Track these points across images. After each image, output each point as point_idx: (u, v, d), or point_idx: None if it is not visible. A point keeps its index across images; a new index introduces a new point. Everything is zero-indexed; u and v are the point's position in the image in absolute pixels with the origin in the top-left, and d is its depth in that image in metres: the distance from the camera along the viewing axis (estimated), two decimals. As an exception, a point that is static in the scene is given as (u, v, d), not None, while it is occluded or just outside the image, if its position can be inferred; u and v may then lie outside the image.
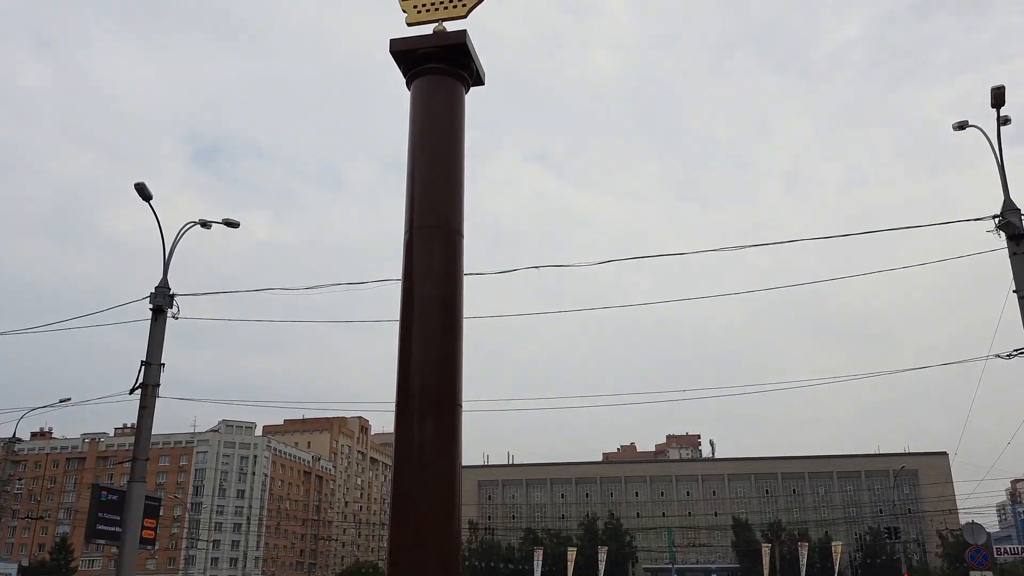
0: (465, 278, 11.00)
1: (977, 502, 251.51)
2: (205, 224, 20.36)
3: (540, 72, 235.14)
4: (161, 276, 19.60)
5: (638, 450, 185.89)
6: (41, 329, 22.39)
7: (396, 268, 10.91)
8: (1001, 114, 16.56)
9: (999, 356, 20.95)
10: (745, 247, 17.19)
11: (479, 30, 11.76)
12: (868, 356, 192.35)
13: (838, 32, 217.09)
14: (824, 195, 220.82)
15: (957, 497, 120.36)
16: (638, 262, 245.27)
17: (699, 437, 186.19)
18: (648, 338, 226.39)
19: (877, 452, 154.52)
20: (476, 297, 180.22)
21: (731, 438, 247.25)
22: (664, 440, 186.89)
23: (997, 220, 16.23)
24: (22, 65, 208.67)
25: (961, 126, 17.20)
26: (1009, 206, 16.11)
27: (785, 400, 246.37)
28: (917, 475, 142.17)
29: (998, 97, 16.31)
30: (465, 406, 10.30)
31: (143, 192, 19.40)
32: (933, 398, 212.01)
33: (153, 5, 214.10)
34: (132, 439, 20.96)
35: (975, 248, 17.89)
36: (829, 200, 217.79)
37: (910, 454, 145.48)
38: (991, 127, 16.99)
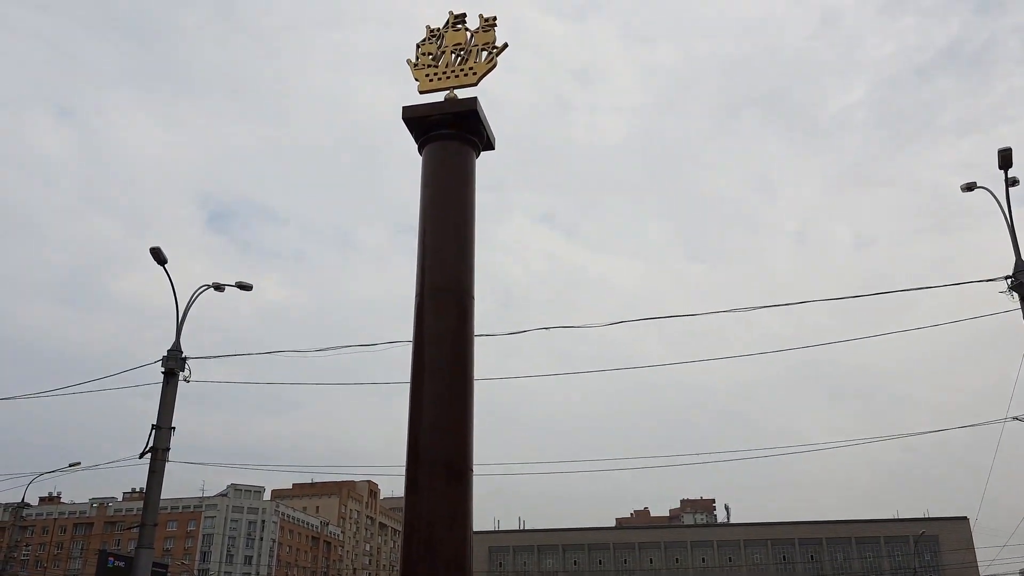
0: (475, 340, 11.02)
1: (1000, 568, 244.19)
2: (219, 287, 20.47)
3: (548, 135, 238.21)
4: (174, 339, 19.70)
5: (652, 515, 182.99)
6: (53, 393, 22.43)
7: (407, 330, 10.97)
8: (1009, 175, 16.66)
9: (1017, 419, 20.71)
10: (757, 308, 17.19)
11: (488, 95, 12.03)
12: (884, 418, 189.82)
13: (842, 95, 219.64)
14: (834, 255, 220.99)
15: (980, 564, 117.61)
16: (649, 323, 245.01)
17: (714, 502, 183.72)
18: (661, 400, 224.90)
19: (896, 517, 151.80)
20: (486, 359, 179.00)
21: (747, 502, 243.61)
22: (678, 505, 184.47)
23: (1010, 281, 16.22)
24: (44, 133, 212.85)
25: (970, 187, 17.27)
26: (1021, 267, 16.09)
27: (801, 463, 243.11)
28: (938, 540, 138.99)
29: (1006, 159, 16.41)
30: (475, 470, 10.21)
31: (158, 256, 19.61)
32: (952, 461, 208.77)
33: (169, 73, 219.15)
34: (141, 503, 20.81)
35: (988, 308, 17.80)
36: (839, 260, 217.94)
37: (930, 519, 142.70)
38: (999, 188, 17.08)
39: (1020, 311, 16.01)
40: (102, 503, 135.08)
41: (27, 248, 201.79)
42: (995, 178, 16.97)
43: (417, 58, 12.18)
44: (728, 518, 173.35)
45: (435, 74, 11.95)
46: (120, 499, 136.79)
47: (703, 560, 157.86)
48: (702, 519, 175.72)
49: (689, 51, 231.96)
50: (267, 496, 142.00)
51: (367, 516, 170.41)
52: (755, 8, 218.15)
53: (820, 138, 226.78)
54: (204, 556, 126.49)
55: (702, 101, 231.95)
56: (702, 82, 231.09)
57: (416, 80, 12.05)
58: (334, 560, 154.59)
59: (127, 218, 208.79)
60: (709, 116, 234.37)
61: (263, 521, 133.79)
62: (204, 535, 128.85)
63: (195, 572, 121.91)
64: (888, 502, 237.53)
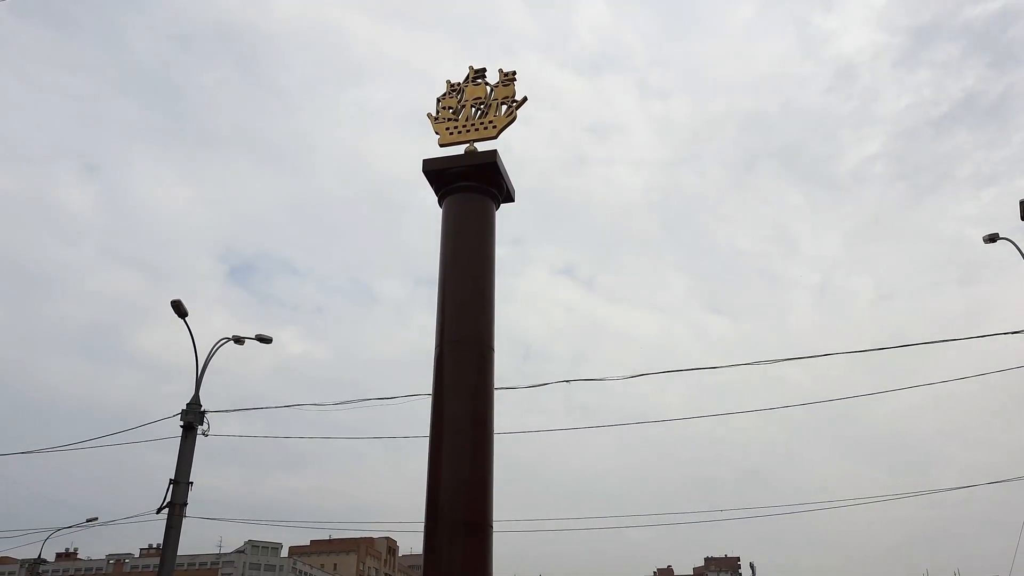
0: (496, 393, 10.83)
1: None
2: (238, 340, 20.38)
3: (566, 189, 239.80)
4: (193, 393, 19.58)
5: (676, 574, 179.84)
6: (71, 447, 22.26)
7: (426, 384, 10.77)
8: (1030, 227, 16.46)
9: None
10: (779, 361, 16.91)
11: (508, 149, 12.02)
12: (910, 474, 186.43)
13: (859, 148, 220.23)
14: (855, 308, 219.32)
15: None
16: (669, 376, 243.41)
17: (738, 560, 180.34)
18: (682, 455, 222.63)
19: None
20: (506, 413, 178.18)
21: (772, 560, 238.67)
22: (702, 563, 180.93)
23: None
24: (68, 188, 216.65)
25: (992, 239, 17.07)
26: (1046, 318, 15.78)
27: (827, 520, 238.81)
28: None
29: (1027, 210, 16.23)
30: (495, 526, 9.94)
31: (179, 309, 19.56)
32: (981, 519, 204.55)
33: (190, 130, 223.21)
34: (158, 560, 20.43)
35: (1014, 362, 17.48)
36: (860, 313, 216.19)
37: None
38: (1021, 239, 16.90)
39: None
40: (119, 559, 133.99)
41: (48, 302, 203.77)
42: (1017, 229, 16.79)
43: (437, 112, 12.23)
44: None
45: (455, 127, 11.97)
46: (137, 555, 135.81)
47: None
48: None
49: (704, 106, 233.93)
50: (285, 553, 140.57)
51: (385, 574, 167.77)
52: (770, 64, 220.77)
53: (838, 191, 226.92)
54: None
55: (718, 155, 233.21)
56: (718, 136, 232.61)
57: (436, 133, 12.09)
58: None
59: (148, 272, 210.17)
60: (726, 169, 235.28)
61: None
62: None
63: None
64: (917, 560, 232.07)
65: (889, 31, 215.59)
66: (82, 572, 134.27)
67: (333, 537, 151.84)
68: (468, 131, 11.88)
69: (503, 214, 12.06)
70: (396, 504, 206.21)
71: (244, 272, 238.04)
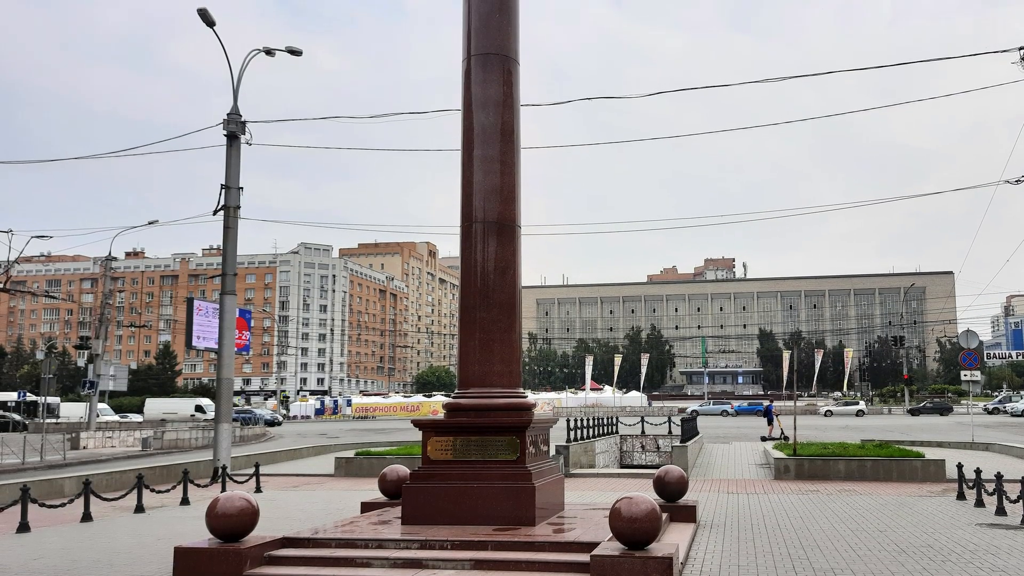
0: (523, 111, 10.59)
1: (977, 313, 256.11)
2: (269, 52, 19.68)
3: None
4: (231, 104, 19.27)
5: (679, 272, 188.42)
6: (126, 153, 22.44)
7: (459, 99, 10.48)
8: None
9: (1008, 182, 20.30)
10: (786, 79, 16.17)
11: None
12: (895, 190, 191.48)
13: None
14: (873, 29, 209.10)
15: (958, 310, 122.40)
16: (692, 98, 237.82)
17: (734, 260, 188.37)
18: (695, 170, 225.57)
19: (891, 272, 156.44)
20: (534, 130, 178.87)
21: (763, 261, 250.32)
22: (702, 263, 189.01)
23: (1022, 52, 15.09)
24: None
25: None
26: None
27: (815, 228, 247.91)
28: (924, 292, 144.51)
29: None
30: (523, 230, 10.19)
31: (206, 17, 18.66)
32: (949, 226, 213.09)
33: None
34: (220, 258, 21.36)
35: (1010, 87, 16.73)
36: (878, 33, 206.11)
37: (919, 273, 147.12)
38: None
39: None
40: (184, 258, 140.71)
41: (85, 8, 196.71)
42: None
43: None
44: (745, 274, 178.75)
45: None
46: (200, 254, 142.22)
47: (721, 309, 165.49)
48: (722, 275, 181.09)
49: None
50: (335, 254, 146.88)
51: (427, 273, 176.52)
52: None
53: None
54: (283, 305, 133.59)
55: None
56: None
57: None
58: (400, 310, 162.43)
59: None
60: None
61: (334, 275, 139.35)
62: (280, 287, 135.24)
63: (276, 317, 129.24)
64: (890, 263, 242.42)
65: None
66: (151, 269, 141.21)
67: (379, 242, 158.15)
68: None
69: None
70: (436, 214, 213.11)
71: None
